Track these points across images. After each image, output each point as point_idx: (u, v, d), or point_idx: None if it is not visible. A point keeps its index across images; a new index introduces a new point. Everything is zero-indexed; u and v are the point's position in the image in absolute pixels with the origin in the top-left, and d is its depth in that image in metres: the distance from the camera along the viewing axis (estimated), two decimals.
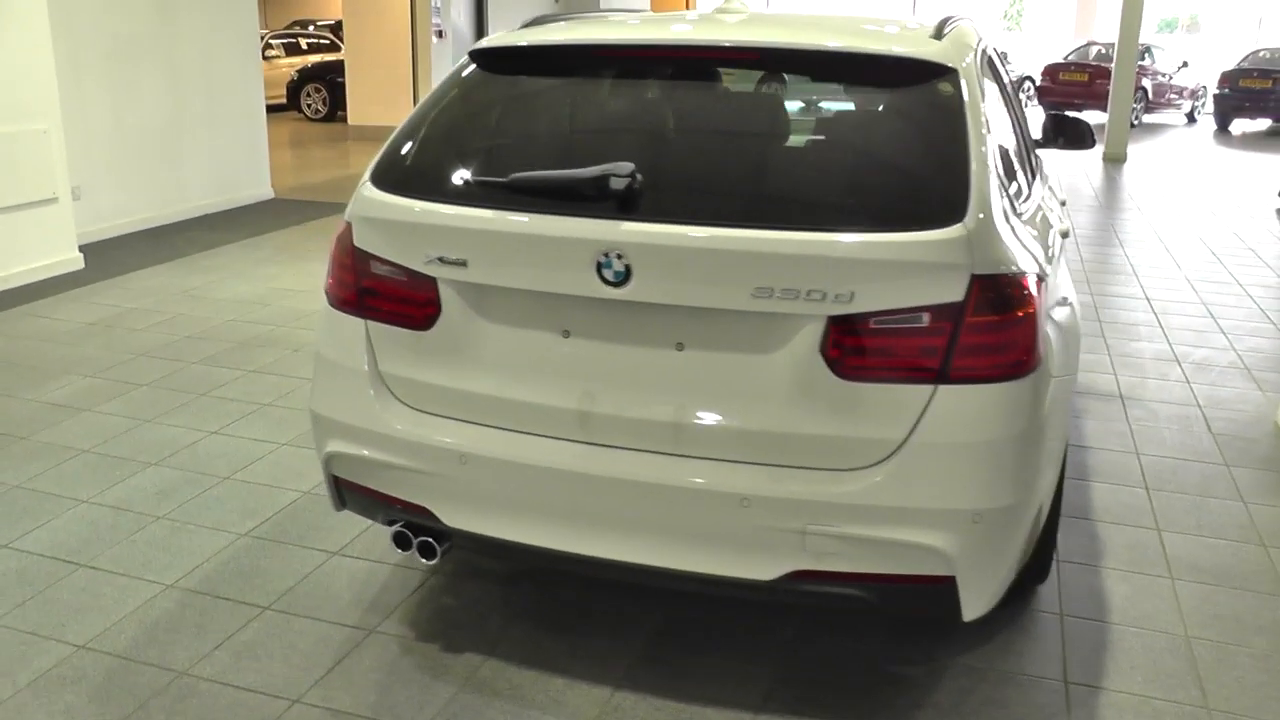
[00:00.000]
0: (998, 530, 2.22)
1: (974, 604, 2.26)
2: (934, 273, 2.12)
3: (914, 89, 2.37)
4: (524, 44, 2.67)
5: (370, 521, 3.30)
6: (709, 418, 2.26)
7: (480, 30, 12.76)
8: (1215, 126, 18.09)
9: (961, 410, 2.17)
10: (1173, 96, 18.89)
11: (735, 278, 2.16)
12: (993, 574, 2.27)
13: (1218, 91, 17.69)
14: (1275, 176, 12.29)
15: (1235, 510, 3.64)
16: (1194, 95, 19.53)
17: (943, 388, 2.17)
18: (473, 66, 2.71)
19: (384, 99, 13.53)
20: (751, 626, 2.86)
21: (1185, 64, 19.17)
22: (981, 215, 2.17)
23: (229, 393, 4.57)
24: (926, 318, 2.14)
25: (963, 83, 2.39)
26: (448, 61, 12.07)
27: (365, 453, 2.51)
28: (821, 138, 2.53)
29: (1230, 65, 18.05)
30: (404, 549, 2.57)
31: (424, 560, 2.56)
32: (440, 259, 2.36)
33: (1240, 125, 18.42)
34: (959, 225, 2.13)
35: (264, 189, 9.35)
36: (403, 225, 2.41)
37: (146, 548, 3.25)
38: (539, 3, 14.07)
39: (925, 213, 2.16)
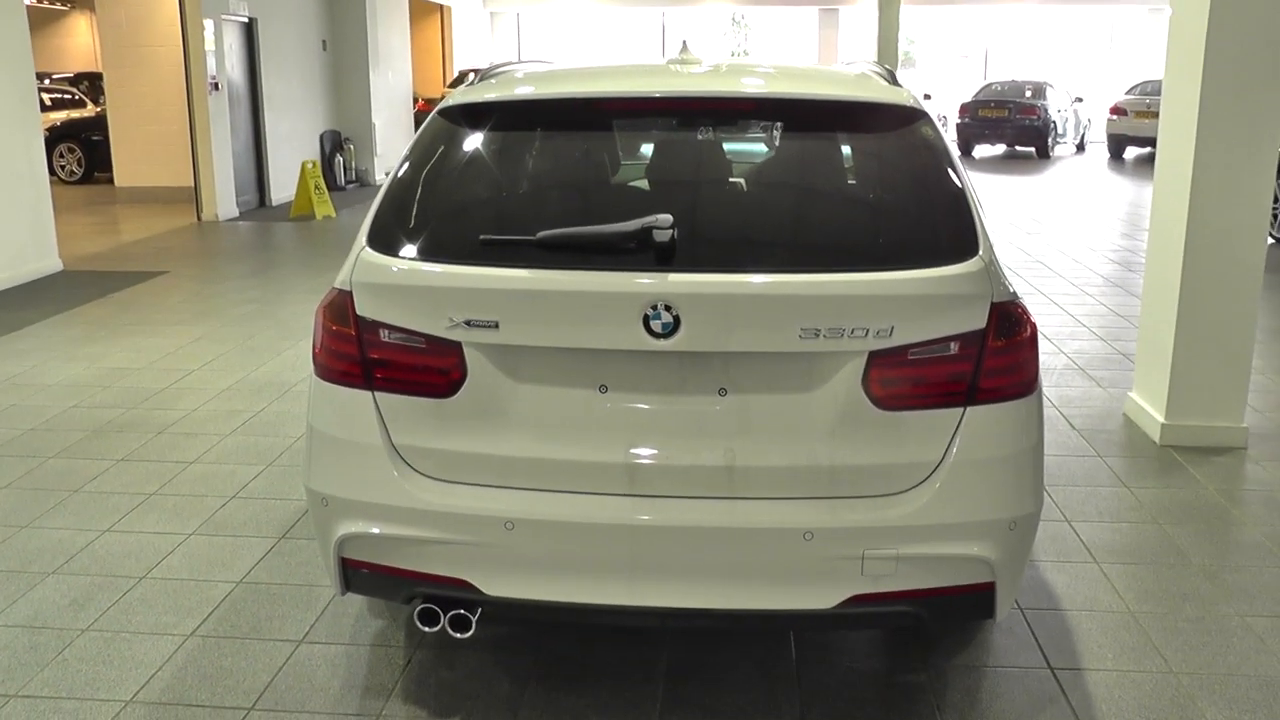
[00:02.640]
0: (1026, 534, 2.41)
1: (1005, 604, 2.43)
2: (962, 304, 2.29)
3: (903, 132, 2.54)
4: (515, 98, 2.65)
5: (331, 603, 3.13)
6: (760, 458, 2.32)
7: (254, 81, 12.23)
8: (959, 152, 19.91)
9: (988, 428, 2.35)
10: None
11: (782, 321, 2.24)
12: (1019, 574, 2.45)
13: (960, 121, 19.49)
14: (1018, 194, 13.73)
15: (1123, 495, 4.06)
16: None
17: (970, 409, 2.34)
18: (451, 122, 2.66)
19: (158, 157, 12.70)
20: (756, 658, 2.92)
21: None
22: (990, 247, 2.36)
23: (104, 485, 4.16)
24: (955, 346, 2.30)
25: (935, 125, 2.59)
26: (226, 117, 11.50)
27: (389, 531, 2.39)
28: (836, 181, 2.65)
29: (968, 98, 19.97)
30: (429, 626, 2.45)
31: (456, 634, 2.44)
32: (468, 322, 2.30)
33: (981, 149, 20.41)
34: (977, 259, 2.32)
35: (52, 260, 8.55)
36: (420, 290, 2.33)
37: (83, 665, 2.92)
38: (312, 51, 13.68)
39: (947, 249, 2.33)
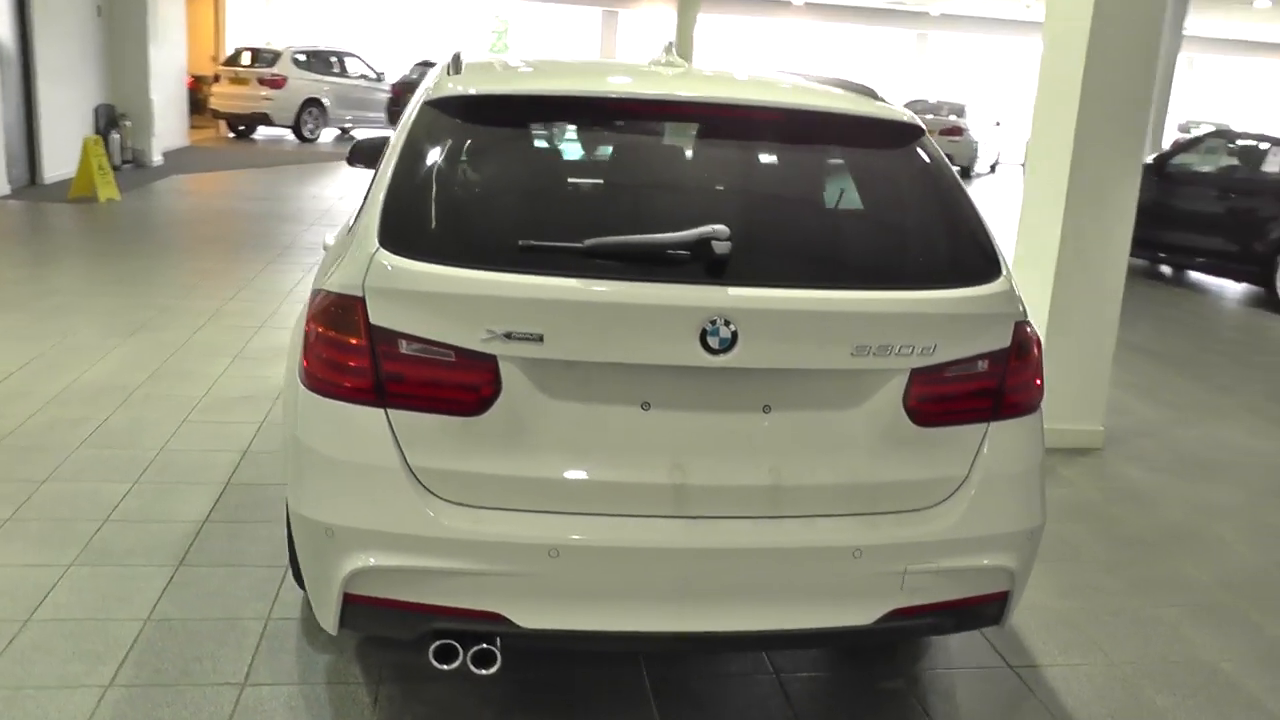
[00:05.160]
0: (1037, 544, 2.50)
1: (1014, 610, 2.52)
2: (993, 322, 2.35)
3: (914, 149, 2.56)
4: (537, 93, 2.49)
5: (263, 639, 2.84)
6: (805, 476, 2.28)
7: (26, 46, 10.91)
8: None
9: (1008, 442, 2.42)
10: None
11: (837, 338, 2.21)
12: (1027, 581, 2.55)
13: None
14: None
15: None
16: None
17: (993, 424, 2.40)
18: (449, 114, 2.44)
19: None
20: (734, 673, 2.89)
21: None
22: (1009, 267, 2.44)
23: None
24: (985, 363, 2.36)
25: (930, 141, 2.65)
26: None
27: (411, 563, 2.16)
28: (870, 198, 2.62)
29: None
30: (446, 663, 2.23)
31: (479, 671, 2.23)
32: (508, 335, 2.12)
33: None
34: (1004, 278, 2.38)
35: None
36: (454, 299, 2.12)
37: None
38: (86, 16, 12.37)
39: (977, 268, 2.38)
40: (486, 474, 2.18)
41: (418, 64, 20.45)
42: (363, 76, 19.74)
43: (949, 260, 2.41)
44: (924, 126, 2.63)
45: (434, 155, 2.37)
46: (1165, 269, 10.24)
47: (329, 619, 2.25)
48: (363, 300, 2.15)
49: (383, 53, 21.11)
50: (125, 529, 3.53)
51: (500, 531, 2.16)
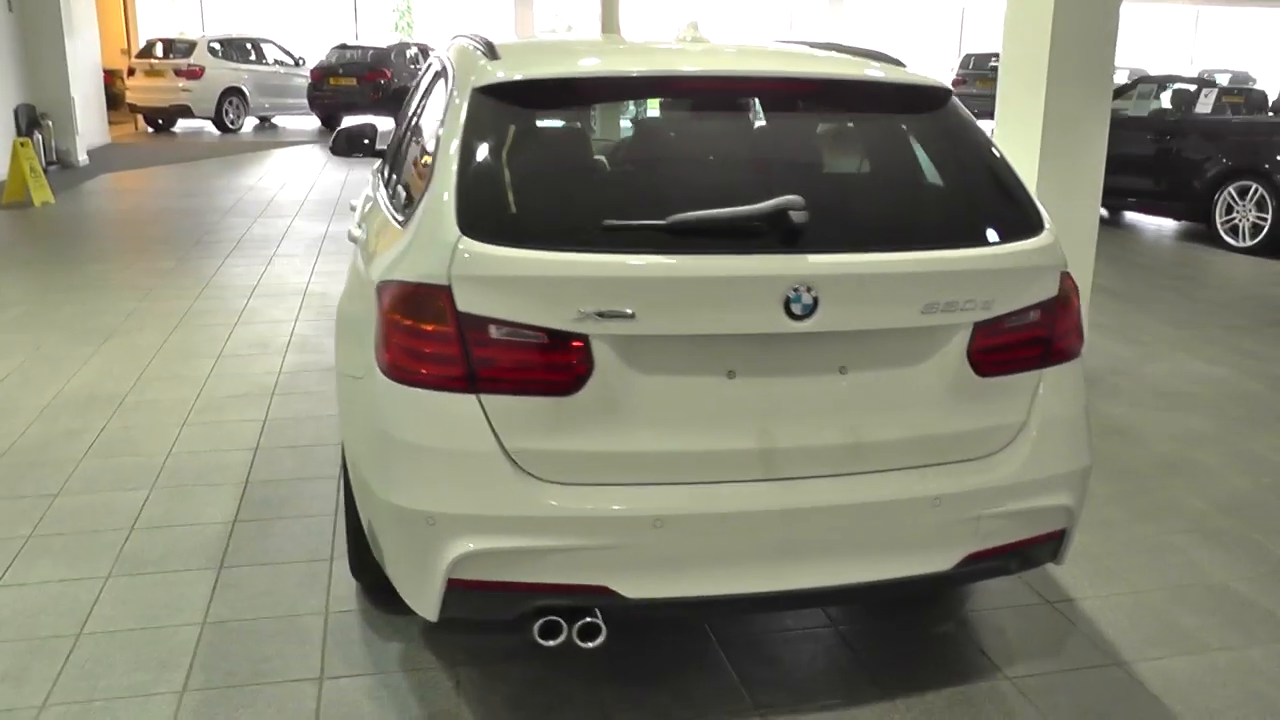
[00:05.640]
0: (1088, 482, 2.63)
1: (1070, 547, 2.65)
2: (1044, 274, 2.46)
3: (954, 113, 2.66)
4: (591, 74, 2.50)
5: (328, 633, 2.85)
6: (882, 432, 2.36)
7: None
8: None
9: (1059, 386, 2.54)
10: None
11: (909, 297, 2.30)
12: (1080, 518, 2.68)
13: None
14: None
15: None
16: None
17: (1045, 371, 2.52)
18: (503, 100, 2.45)
19: None
20: (795, 628, 2.98)
21: None
22: (1049, 220, 2.55)
23: None
24: (1037, 313, 2.47)
25: (959, 104, 2.74)
26: None
27: (518, 543, 2.19)
28: (923, 161, 2.70)
29: None
30: (550, 639, 2.28)
31: (584, 645, 2.29)
32: (599, 313, 2.16)
33: None
34: (1048, 231, 2.49)
35: None
36: (545, 281, 2.15)
37: None
38: None
39: (1025, 223, 2.48)
40: (583, 451, 2.22)
41: (335, 47, 20.03)
42: (279, 62, 19.28)
43: (999, 216, 2.51)
44: (952, 90, 2.72)
45: (498, 141, 2.38)
46: (1103, 211, 10.59)
47: (429, 606, 2.28)
48: (448, 288, 2.16)
49: (288, 36, 20.55)
50: (154, 536, 3.49)
51: (603, 506, 2.21)
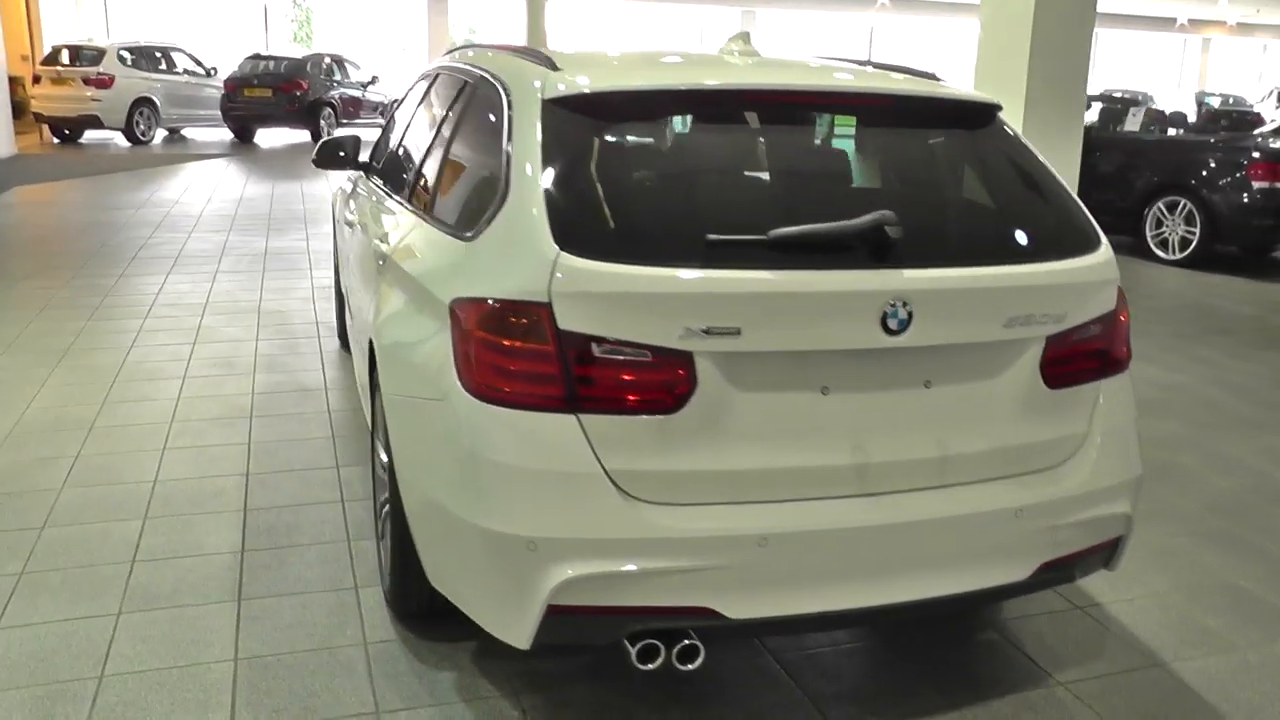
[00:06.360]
0: (1140, 490, 2.70)
1: (1123, 555, 2.71)
2: (1105, 287, 2.52)
3: (1001, 128, 2.72)
4: (669, 88, 2.48)
5: (373, 665, 2.76)
6: (965, 445, 2.38)
7: None
8: None
9: (1116, 396, 2.60)
10: (366, 112, 20.17)
11: (993, 312, 2.32)
12: None
13: None
14: None
15: None
16: (386, 110, 21.02)
17: (1104, 382, 2.58)
18: (578, 112, 2.41)
19: None
20: (847, 641, 2.98)
21: (375, 79, 20.75)
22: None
23: None
24: (1098, 326, 2.53)
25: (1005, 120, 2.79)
26: None
27: (621, 567, 2.14)
28: (994, 176, 2.72)
29: None
30: (648, 663, 2.24)
31: (683, 667, 2.24)
32: (706, 330, 2.12)
33: None
34: (1105, 246, 2.55)
35: None
36: (651, 297, 2.10)
37: None
38: None
39: (1086, 238, 2.54)
40: (685, 470, 2.18)
41: (248, 58, 19.53)
42: (189, 72, 18.68)
43: (1066, 232, 2.56)
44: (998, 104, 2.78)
45: (581, 155, 2.33)
46: None
47: (522, 634, 2.20)
48: (549, 305, 2.10)
49: (192, 45, 19.90)
50: (159, 569, 3.31)
51: (709, 526, 2.17)
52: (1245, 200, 8.63)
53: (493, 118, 2.68)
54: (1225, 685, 2.86)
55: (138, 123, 16.86)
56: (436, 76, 3.80)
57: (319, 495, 3.88)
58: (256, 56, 19.52)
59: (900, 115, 2.64)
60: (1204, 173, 8.84)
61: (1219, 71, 38.31)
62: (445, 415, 2.31)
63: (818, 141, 2.67)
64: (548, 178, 2.27)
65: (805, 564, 2.24)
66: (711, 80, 2.49)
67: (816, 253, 2.20)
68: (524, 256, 2.17)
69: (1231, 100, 21.67)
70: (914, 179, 2.71)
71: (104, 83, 16.33)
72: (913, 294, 2.22)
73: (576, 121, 2.39)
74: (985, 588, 2.42)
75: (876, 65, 3.03)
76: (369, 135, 15.86)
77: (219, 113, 18.32)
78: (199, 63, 18.96)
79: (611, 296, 2.11)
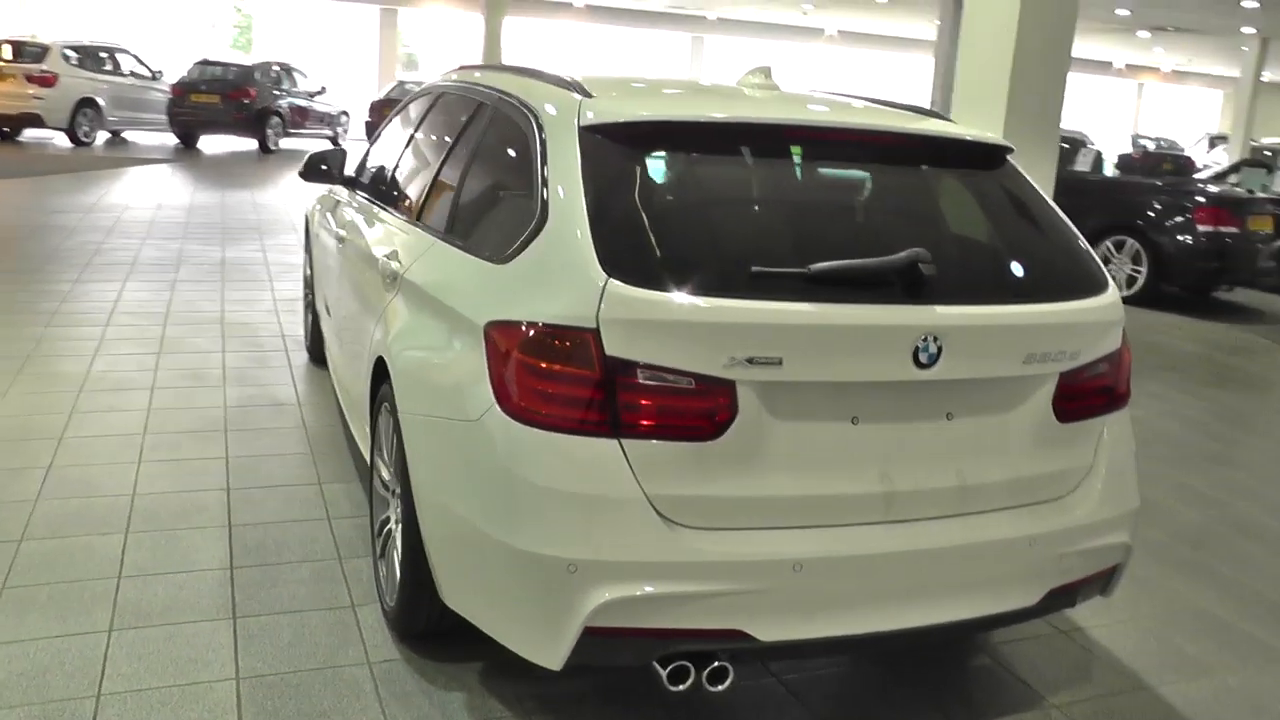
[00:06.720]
0: (1137, 521, 2.80)
1: (1120, 582, 2.81)
2: (1113, 326, 2.63)
3: (1013, 169, 2.82)
4: (706, 120, 2.54)
5: (378, 683, 2.74)
6: (983, 475, 2.45)
7: None
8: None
9: (1117, 431, 2.71)
10: (313, 122, 20.02)
11: (1015, 348, 2.41)
12: None
13: (369, 119, 19.68)
14: None
15: None
16: (332, 121, 20.68)
17: (1108, 417, 2.68)
18: (616, 141, 2.45)
19: None
20: (843, 665, 3.04)
21: (323, 89, 20.56)
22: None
23: None
24: (1105, 364, 2.63)
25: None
26: None
27: (659, 589, 2.16)
28: (1011, 217, 2.80)
29: (378, 96, 20.29)
30: (679, 685, 2.26)
31: (713, 689, 2.28)
32: (750, 360, 2.16)
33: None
34: (1112, 288, 2.66)
35: None
36: (699, 326, 2.14)
37: None
38: None
39: (1097, 278, 2.65)
40: (722, 496, 2.21)
41: (197, 63, 19.20)
42: (134, 74, 18.31)
43: (1077, 273, 2.66)
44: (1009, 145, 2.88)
45: (624, 182, 2.36)
46: None
47: (556, 655, 2.21)
48: (596, 331, 2.13)
49: (136, 47, 19.51)
50: (148, 584, 3.24)
51: (747, 551, 2.21)
52: (1191, 242, 8.98)
53: (521, 141, 2.70)
54: (1208, 708, 2.97)
55: (80, 123, 16.46)
56: (440, 96, 3.80)
57: (304, 512, 3.83)
58: (205, 62, 19.21)
59: (927, 154, 2.74)
60: (1151, 214, 9.18)
61: (1151, 115, 39.95)
62: (478, 436, 2.31)
63: (850, 177, 2.74)
64: (590, 204, 2.30)
65: (835, 588, 2.29)
66: (748, 114, 2.55)
67: (854, 287, 2.27)
68: (569, 282, 2.20)
69: (1164, 144, 22.51)
70: (939, 217, 2.80)
71: (48, 81, 15.93)
72: (944, 329, 2.29)
73: (614, 149, 2.42)
74: (998, 612, 2.49)
75: (888, 104, 3.12)
76: (319, 146, 15.59)
77: (163, 116, 17.97)
78: (145, 65, 18.59)
79: (660, 324, 2.14)
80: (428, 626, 2.84)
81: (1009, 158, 2.85)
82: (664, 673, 2.24)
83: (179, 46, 27.59)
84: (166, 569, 3.34)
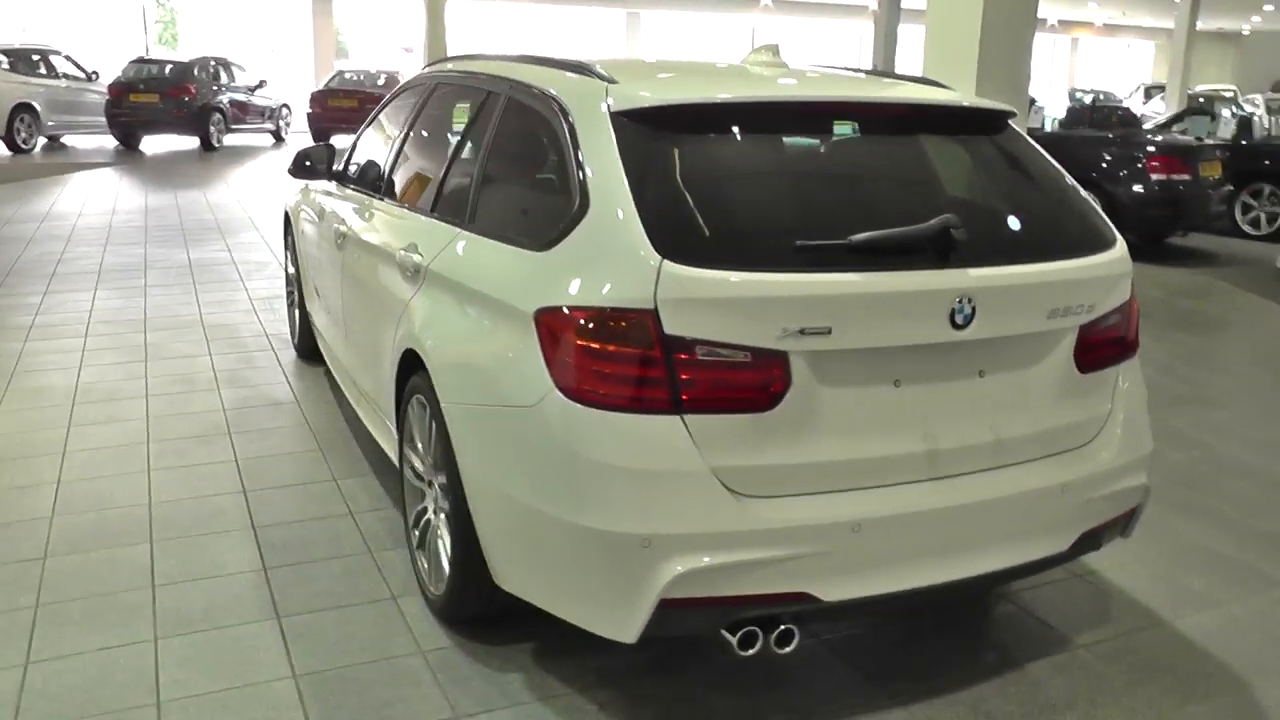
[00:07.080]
0: (1151, 463, 2.93)
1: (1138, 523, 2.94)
2: (1123, 280, 2.75)
3: (1018, 133, 2.92)
4: (736, 101, 2.59)
5: (438, 671, 2.80)
6: (1015, 429, 2.56)
7: None
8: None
9: (1130, 378, 2.84)
10: (255, 117, 19.68)
11: (1040, 305, 2.51)
12: None
13: (310, 110, 19.26)
14: None
15: None
16: (274, 115, 20.39)
17: (1121, 365, 2.80)
18: (652, 125, 2.50)
19: None
20: (879, 623, 3.14)
21: (263, 83, 19.95)
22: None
23: None
24: (1117, 316, 2.75)
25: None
26: None
27: (729, 559, 2.24)
28: (1018, 179, 2.89)
29: (318, 87, 20.12)
30: (748, 649, 2.35)
31: (781, 651, 2.37)
32: (801, 331, 2.24)
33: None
34: (1120, 242, 2.78)
35: None
36: (751, 301, 2.22)
37: None
38: None
39: (1108, 233, 2.76)
40: (780, 464, 2.30)
41: (133, 61, 18.78)
42: (69, 76, 17.86)
43: (1089, 229, 2.76)
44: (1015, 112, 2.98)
45: (661, 165, 2.42)
46: None
47: (631, 628, 2.28)
48: (654, 312, 2.19)
49: (67, 48, 19.00)
50: (183, 591, 3.25)
51: (808, 515, 2.29)
52: (1144, 191, 9.23)
53: (547, 129, 2.73)
54: (1221, 638, 3.12)
55: (18, 130, 16.04)
56: (435, 87, 3.81)
57: (324, 509, 3.85)
58: (141, 60, 18.79)
59: (945, 123, 2.84)
60: (1104, 166, 9.41)
61: (1086, 69, 40.69)
62: (536, 421, 2.36)
63: (876, 148, 2.81)
64: (634, 188, 2.35)
65: (890, 546, 2.39)
66: (774, 93, 2.62)
67: (892, 255, 2.35)
68: (622, 264, 2.25)
69: (1102, 96, 22.92)
70: (960, 182, 2.89)
71: None
72: (977, 291, 2.39)
73: (649, 133, 2.47)
74: (1035, 559, 2.61)
75: (893, 76, 3.22)
76: (260, 140, 15.34)
77: (103, 119, 17.57)
78: (80, 67, 18.14)
79: (715, 301, 2.21)
80: (476, 612, 2.89)
81: (1010, 122, 2.95)
82: (734, 639, 2.32)
83: (102, 46, 26.84)
84: (198, 575, 3.35)
